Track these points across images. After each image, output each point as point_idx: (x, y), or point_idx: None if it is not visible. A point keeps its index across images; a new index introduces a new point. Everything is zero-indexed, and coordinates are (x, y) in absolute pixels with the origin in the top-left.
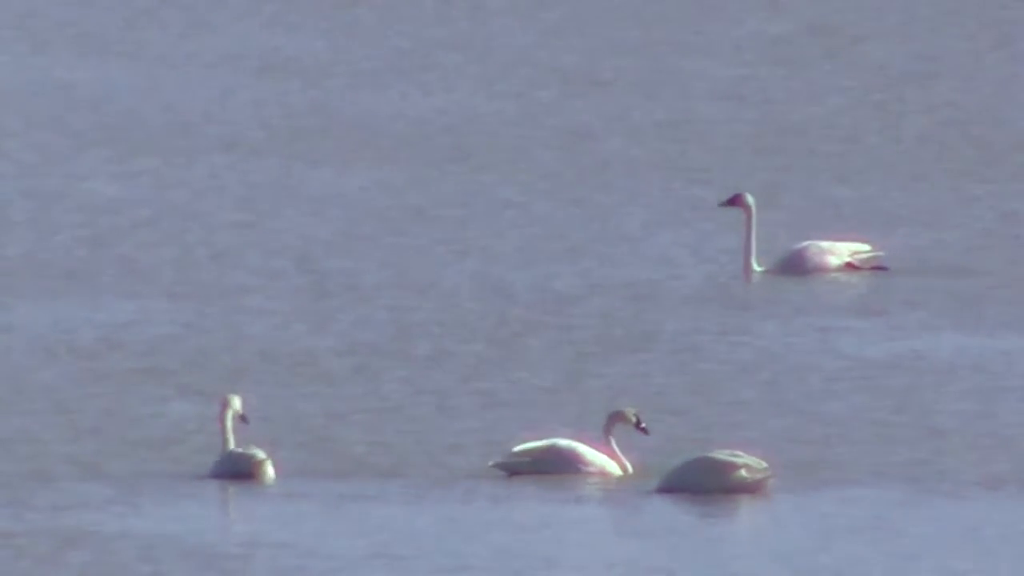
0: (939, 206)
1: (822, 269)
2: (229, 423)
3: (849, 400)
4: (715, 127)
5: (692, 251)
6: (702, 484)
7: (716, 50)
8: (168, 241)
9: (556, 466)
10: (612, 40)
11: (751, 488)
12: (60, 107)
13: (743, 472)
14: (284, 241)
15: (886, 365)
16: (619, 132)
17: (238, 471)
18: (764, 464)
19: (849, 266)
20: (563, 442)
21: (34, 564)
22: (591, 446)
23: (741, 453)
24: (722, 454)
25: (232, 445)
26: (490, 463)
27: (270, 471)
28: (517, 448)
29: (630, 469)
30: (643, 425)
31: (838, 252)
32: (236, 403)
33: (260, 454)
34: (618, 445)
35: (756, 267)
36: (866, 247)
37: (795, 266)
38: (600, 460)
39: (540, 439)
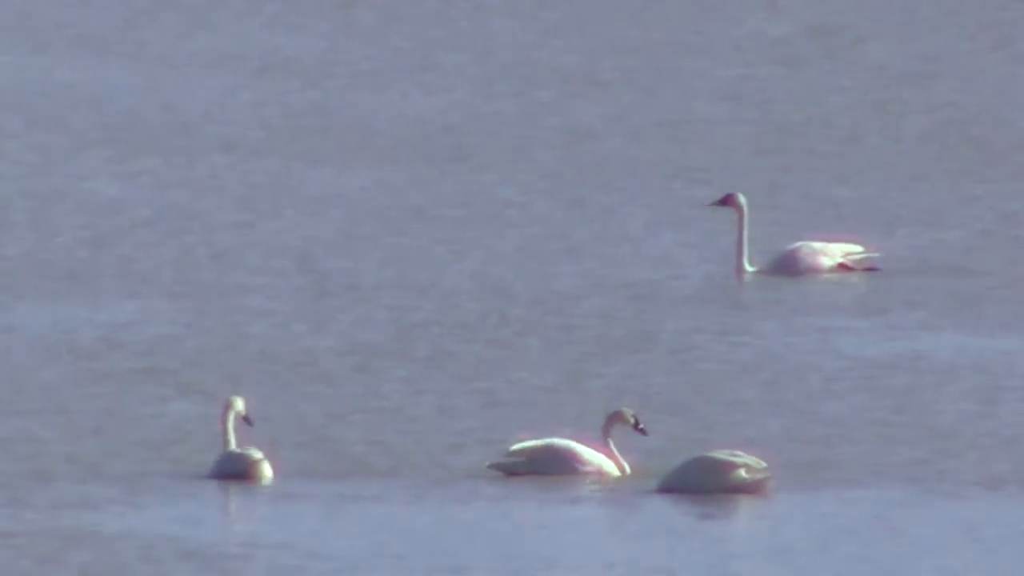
0: (939, 206)
1: (814, 270)
2: (231, 424)
3: (849, 400)
4: (715, 127)
5: (692, 251)
6: (701, 484)
7: (716, 50)
8: (168, 241)
9: (553, 465)
10: (612, 40)
11: (750, 488)
12: (60, 107)
13: (742, 472)
14: (284, 241)
15: (886, 365)
16: (619, 132)
17: (235, 471)
18: (763, 464)
19: (842, 267)
20: (560, 441)
21: (34, 564)
22: (589, 446)
23: (741, 453)
24: (721, 454)
25: (233, 446)
26: (487, 464)
27: (267, 471)
28: (514, 447)
29: (628, 470)
30: (641, 426)
31: (830, 253)
32: (239, 404)
33: (256, 454)
34: (617, 446)
35: (748, 267)
36: (858, 248)
37: (787, 267)
38: (597, 459)
39: (539, 439)
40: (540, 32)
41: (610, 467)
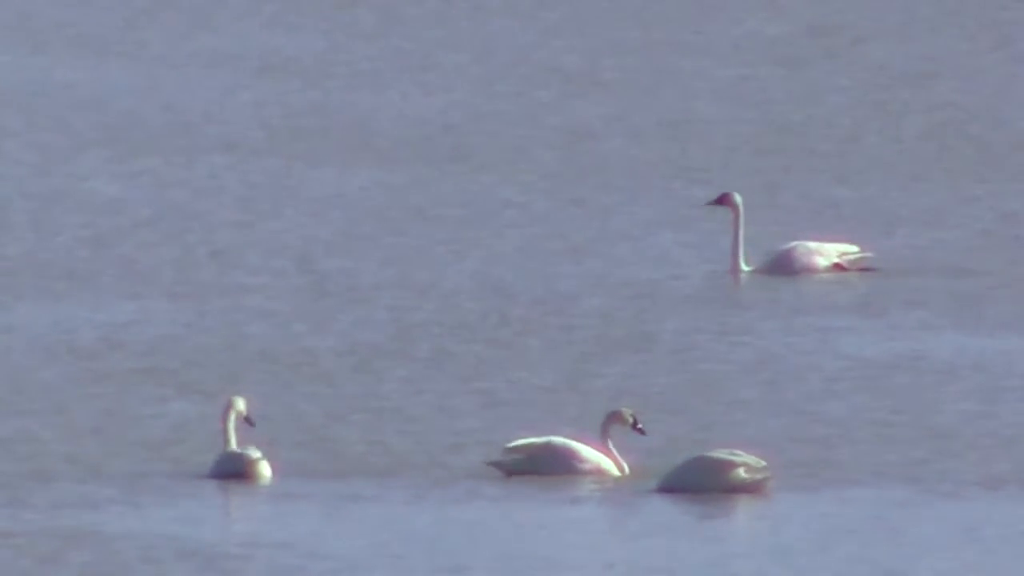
0: (939, 206)
1: (810, 269)
2: (232, 424)
3: (849, 400)
4: (715, 127)
5: (692, 251)
6: (701, 483)
7: (716, 50)
8: (168, 241)
9: (551, 463)
10: (612, 40)
11: (750, 488)
12: (60, 107)
13: (742, 472)
14: (284, 241)
15: (886, 365)
16: (619, 132)
17: (233, 471)
18: (763, 463)
19: (837, 267)
20: (558, 440)
21: (34, 564)
22: (588, 446)
23: (740, 452)
24: (721, 453)
25: (234, 446)
26: (485, 461)
27: (265, 471)
28: (511, 444)
29: (627, 470)
30: (640, 426)
31: (826, 253)
32: (240, 405)
33: (255, 454)
34: (617, 446)
35: (744, 267)
36: (854, 248)
37: (783, 266)
38: (596, 457)
39: (537, 437)
40: (540, 32)
41: (609, 466)
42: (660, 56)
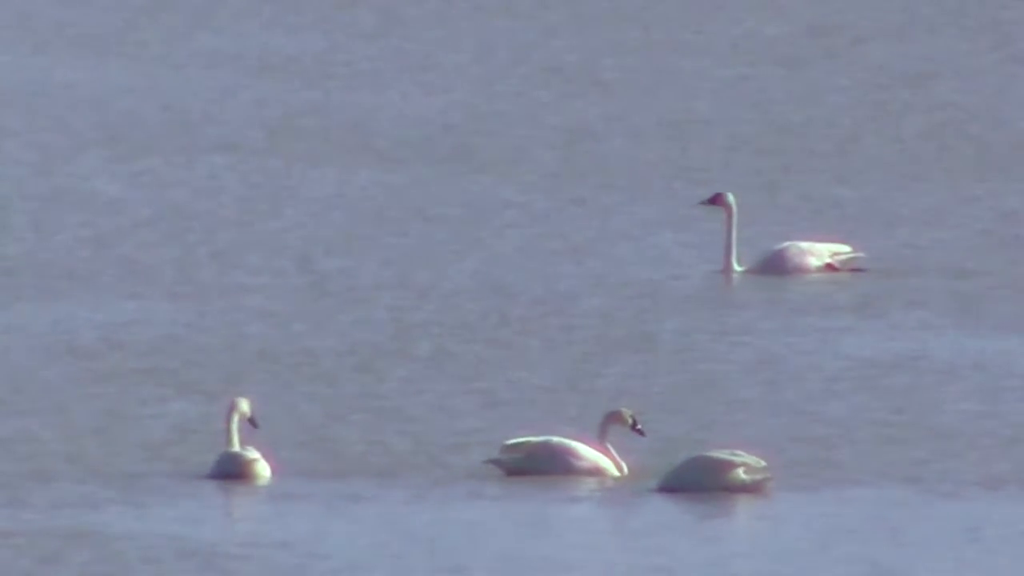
0: (939, 206)
1: (802, 270)
2: (234, 425)
3: (849, 400)
4: (715, 127)
5: (692, 251)
6: (701, 483)
7: (716, 50)
8: (168, 241)
9: (550, 462)
10: (612, 40)
11: (750, 488)
12: (60, 107)
13: (742, 472)
14: (284, 241)
15: (886, 365)
16: (619, 132)
17: (231, 471)
18: (763, 464)
19: (829, 267)
20: (557, 438)
21: (34, 564)
22: (587, 445)
23: (740, 452)
24: (721, 453)
25: (236, 447)
26: (484, 460)
27: (262, 471)
28: (509, 442)
29: (625, 470)
30: (639, 426)
31: (818, 253)
32: (244, 406)
33: (251, 454)
34: (616, 446)
35: (736, 267)
36: (846, 248)
37: (775, 266)
38: (594, 457)
39: (535, 436)
40: (540, 32)
41: (607, 465)
42: (660, 56)
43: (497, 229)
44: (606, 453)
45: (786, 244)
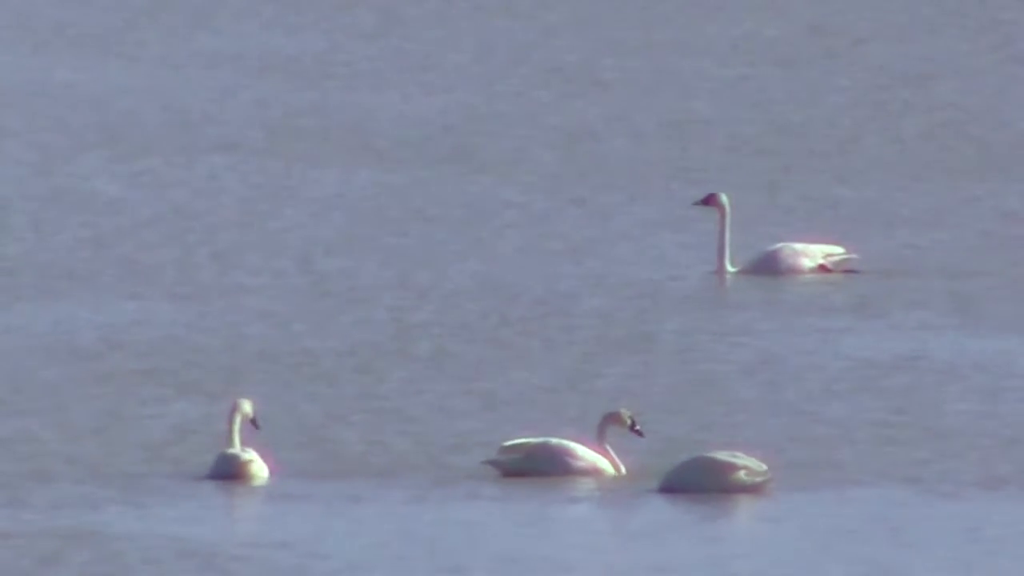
0: (939, 206)
1: (795, 271)
2: (236, 426)
3: (849, 400)
4: (715, 127)
5: (691, 251)
6: (701, 484)
7: (716, 50)
8: (168, 241)
9: (548, 462)
10: (612, 40)
11: (750, 491)
12: (60, 107)
13: (742, 474)
14: (284, 241)
15: (886, 365)
16: (619, 132)
17: (228, 472)
18: (764, 467)
19: (822, 268)
20: (555, 439)
21: (34, 564)
22: (586, 445)
23: (741, 455)
24: (722, 455)
25: (237, 447)
26: (482, 460)
27: (259, 471)
28: (507, 443)
29: (623, 470)
30: (637, 427)
31: (811, 254)
32: (246, 407)
33: (247, 455)
34: (616, 447)
35: (729, 268)
36: (839, 249)
37: (768, 267)
38: (592, 457)
39: (534, 437)
40: (540, 32)
41: (605, 466)
42: (660, 56)
43: (497, 229)
44: (605, 454)
45: (779, 245)
